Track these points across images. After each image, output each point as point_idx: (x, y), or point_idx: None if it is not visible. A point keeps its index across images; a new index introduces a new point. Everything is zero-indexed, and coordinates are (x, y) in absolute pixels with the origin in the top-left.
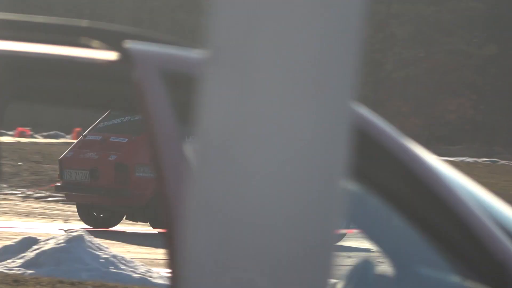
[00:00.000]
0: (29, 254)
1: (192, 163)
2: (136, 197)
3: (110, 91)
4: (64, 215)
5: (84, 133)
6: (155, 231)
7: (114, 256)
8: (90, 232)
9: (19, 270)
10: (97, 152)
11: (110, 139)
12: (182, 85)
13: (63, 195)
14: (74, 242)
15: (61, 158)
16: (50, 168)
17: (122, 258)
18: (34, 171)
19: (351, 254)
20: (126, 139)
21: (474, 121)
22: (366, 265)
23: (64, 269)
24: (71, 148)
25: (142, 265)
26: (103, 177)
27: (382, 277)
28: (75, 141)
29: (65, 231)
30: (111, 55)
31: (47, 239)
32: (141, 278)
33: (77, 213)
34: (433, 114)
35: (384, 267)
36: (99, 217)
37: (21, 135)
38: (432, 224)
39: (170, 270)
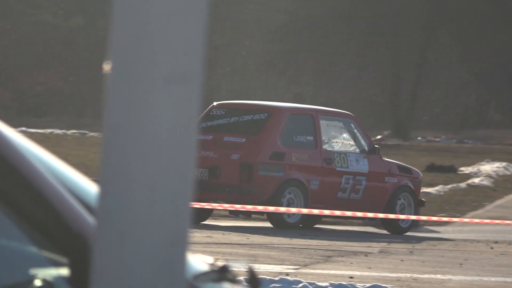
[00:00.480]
0: None
1: None
2: (258, 194)
3: None
4: None
5: None
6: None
7: None
8: None
9: None
10: (214, 151)
11: (224, 139)
12: None
13: None
14: None
15: None
16: None
17: None
18: None
19: None
20: (244, 139)
21: (63, 93)
22: None
23: None
24: None
25: None
26: (226, 175)
27: None
28: None
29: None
30: None
31: None
32: None
33: None
34: (22, 86)
35: None
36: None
37: None
38: (5, 193)
39: None
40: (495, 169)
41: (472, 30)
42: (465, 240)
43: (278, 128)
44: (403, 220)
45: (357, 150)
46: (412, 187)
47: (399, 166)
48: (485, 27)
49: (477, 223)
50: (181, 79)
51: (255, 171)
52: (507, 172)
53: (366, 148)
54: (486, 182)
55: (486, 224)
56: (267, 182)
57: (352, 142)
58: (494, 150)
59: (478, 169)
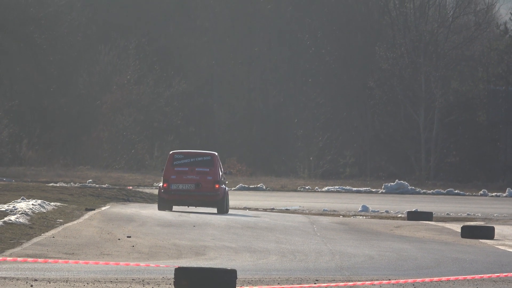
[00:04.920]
0: None
1: None
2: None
3: None
4: None
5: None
6: None
7: None
8: None
9: None
10: (195, 175)
11: (196, 169)
12: None
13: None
14: None
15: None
16: None
17: None
18: None
19: None
20: (208, 169)
21: None
22: None
23: None
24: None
25: None
26: (204, 187)
27: None
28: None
29: None
30: None
31: None
32: None
33: None
34: None
35: None
36: None
37: None
38: None
39: None
40: (31, 206)
41: (1, 68)
42: (4, 278)
43: (218, 164)
44: None
45: None
46: None
47: None
48: (14, 65)
49: (15, 260)
50: None
51: (218, 184)
52: (43, 210)
53: None
54: (22, 220)
55: (25, 261)
56: (222, 190)
57: None
58: (29, 188)
59: (14, 207)
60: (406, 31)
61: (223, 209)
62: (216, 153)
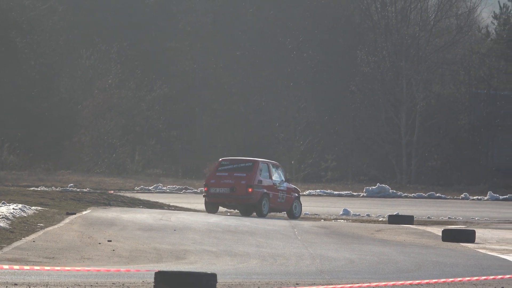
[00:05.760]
0: None
1: None
2: (253, 199)
3: None
4: None
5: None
6: None
7: None
8: None
9: None
10: (231, 180)
11: (234, 174)
12: None
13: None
14: None
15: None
16: None
17: None
18: None
19: None
20: (245, 174)
21: None
22: None
23: None
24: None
25: None
26: (238, 191)
27: None
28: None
29: None
30: None
31: None
32: None
33: None
34: None
35: None
36: None
37: None
38: None
39: None
40: (12, 210)
41: None
42: None
43: (257, 170)
44: None
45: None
46: None
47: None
48: None
49: None
50: None
51: (252, 188)
52: (24, 214)
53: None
54: (2, 224)
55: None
56: (256, 194)
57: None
58: (10, 192)
59: None
60: (387, 34)
61: (259, 211)
62: (261, 160)
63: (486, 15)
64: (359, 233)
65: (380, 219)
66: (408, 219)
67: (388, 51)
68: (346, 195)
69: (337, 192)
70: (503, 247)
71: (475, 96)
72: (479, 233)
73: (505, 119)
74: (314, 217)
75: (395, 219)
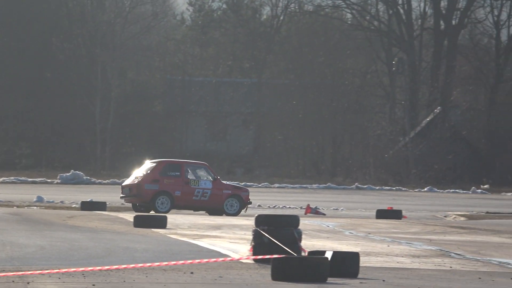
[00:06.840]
0: None
1: None
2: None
3: None
4: None
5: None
6: None
7: None
8: None
9: None
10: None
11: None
12: None
13: None
14: None
15: None
16: None
17: None
18: None
19: None
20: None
21: None
22: None
23: None
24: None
25: None
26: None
27: None
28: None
29: None
30: None
31: None
32: None
33: None
34: None
35: None
36: None
37: None
38: None
39: None
40: None
41: None
42: None
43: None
44: None
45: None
46: None
47: None
48: None
49: None
50: None
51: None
52: None
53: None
54: None
55: None
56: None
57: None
58: None
59: None
60: (83, 21)
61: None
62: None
63: (181, 2)
64: (51, 219)
65: (73, 206)
66: (100, 206)
67: (83, 38)
68: (41, 182)
69: (31, 179)
70: (194, 232)
71: (170, 82)
72: (171, 218)
73: (199, 105)
74: (7, 204)
75: (87, 206)
